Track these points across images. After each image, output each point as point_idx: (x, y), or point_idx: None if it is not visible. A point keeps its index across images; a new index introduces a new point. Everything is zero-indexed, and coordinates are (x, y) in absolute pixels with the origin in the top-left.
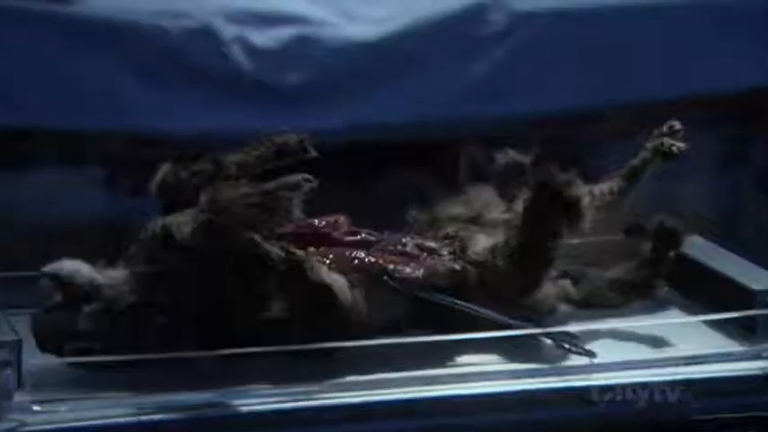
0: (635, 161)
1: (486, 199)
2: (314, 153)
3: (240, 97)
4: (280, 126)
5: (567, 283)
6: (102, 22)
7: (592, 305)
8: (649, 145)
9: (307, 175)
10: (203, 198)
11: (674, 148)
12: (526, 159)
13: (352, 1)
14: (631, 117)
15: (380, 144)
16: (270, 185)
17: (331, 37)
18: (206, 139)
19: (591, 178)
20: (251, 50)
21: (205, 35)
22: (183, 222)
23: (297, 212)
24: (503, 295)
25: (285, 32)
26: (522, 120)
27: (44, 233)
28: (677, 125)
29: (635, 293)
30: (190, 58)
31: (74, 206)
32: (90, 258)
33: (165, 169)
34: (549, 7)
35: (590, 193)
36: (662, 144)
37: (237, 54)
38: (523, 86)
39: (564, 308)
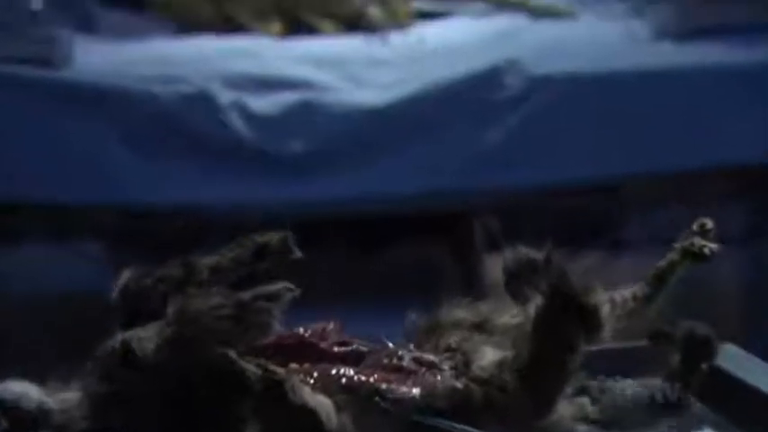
0: (662, 264)
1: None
2: (298, 254)
3: (239, 167)
4: (281, 197)
5: (585, 400)
6: (91, 87)
7: (614, 425)
8: (677, 245)
9: (288, 284)
10: (170, 308)
11: (705, 250)
12: (539, 256)
13: (359, 64)
14: (651, 188)
15: (388, 215)
16: (246, 295)
17: (336, 102)
18: (203, 211)
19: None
20: (250, 117)
21: (201, 101)
22: (145, 337)
23: (277, 325)
24: (512, 417)
25: (287, 98)
26: (537, 189)
27: (33, 307)
28: (708, 223)
29: (662, 411)
30: (185, 125)
31: (63, 280)
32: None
33: (127, 274)
34: (567, 71)
35: (610, 301)
36: (692, 245)
37: (236, 121)
38: (539, 154)
39: (582, 429)
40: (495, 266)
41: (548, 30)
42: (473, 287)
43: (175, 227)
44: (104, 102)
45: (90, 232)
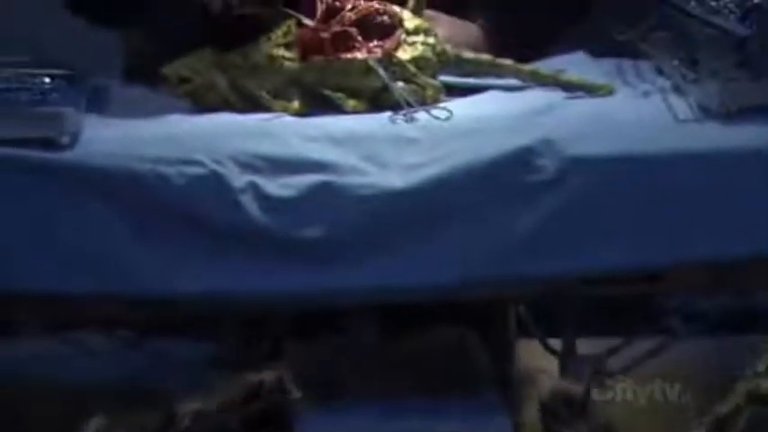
0: (722, 408)
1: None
2: (297, 394)
3: (254, 253)
4: (299, 285)
5: None
6: (97, 170)
7: None
8: (740, 387)
9: None
10: None
11: None
12: (578, 390)
13: (383, 144)
14: (696, 275)
15: (412, 306)
16: None
17: (358, 185)
18: (216, 301)
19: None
20: (266, 200)
21: (213, 183)
22: None
23: None
24: None
25: (305, 180)
26: (574, 277)
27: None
28: None
29: None
30: (195, 209)
31: (66, 373)
32: None
33: (98, 421)
34: (605, 152)
35: None
36: (758, 387)
37: (250, 205)
38: (575, 240)
39: None
40: (527, 355)
41: (584, 107)
42: (505, 375)
43: (187, 317)
44: (111, 185)
45: (94, 325)
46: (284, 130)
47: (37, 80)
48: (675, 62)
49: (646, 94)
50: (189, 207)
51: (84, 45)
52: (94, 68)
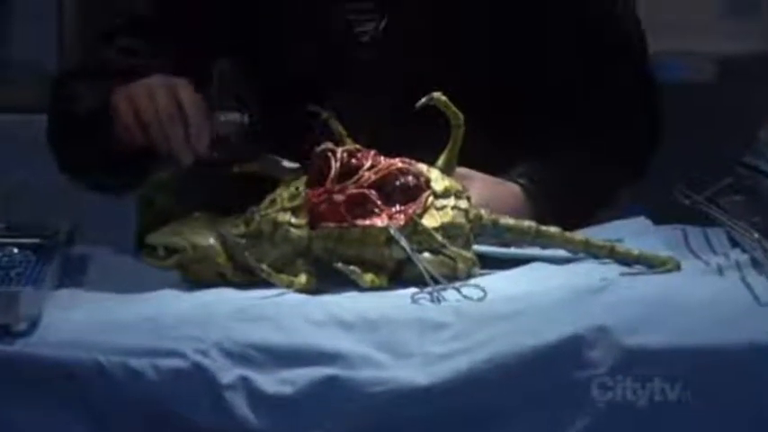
0: None
1: None
2: None
3: None
4: None
5: None
6: (58, 363)
7: None
8: None
9: None
10: None
11: None
12: None
13: (403, 329)
14: None
15: None
16: None
17: (370, 381)
18: None
19: None
20: (259, 399)
21: (196, 379)
22: None
23: None
24: None
25: (308, 373)
26: None
27: None
28: None
29: None
30: (173, 411)
31: None
32: None
33: None
34: (670, 342)
35: None
36: None
37: (239, 405)
38: None
39: None
40: None
41: (645, 286)
42: None
43: None
44: (72, 381)
45: None
46: (286, 312)
47: (5, 251)
48: (755, 234)
49: (719, 269)
50: (165, 408)
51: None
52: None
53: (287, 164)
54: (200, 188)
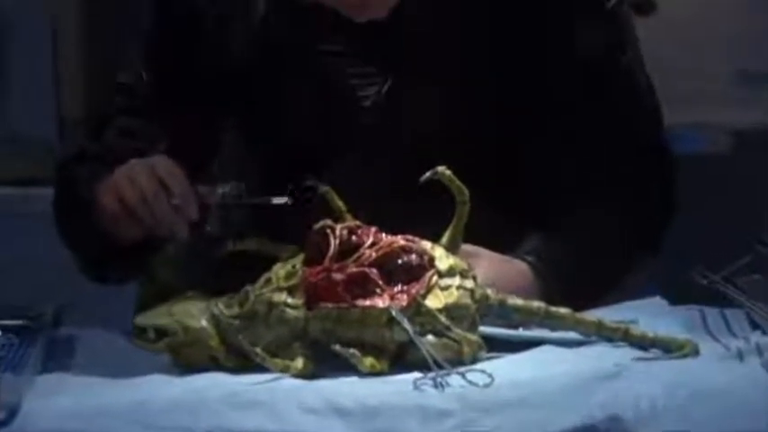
0: None
1: None
2: None
3: None
4: None
5: None
6: None
7: None
8: None
9: None
10: None
11: None
12: None
13: (403, 417)
14: None
15: None
16: None
17: None
18: None
19: None
20: None
21: None
22: None
23: None
24: None
25: None
26: None
27: None
28: None
29: None
30: None
31: None
32: None
33: None
34: None
35: None
36: None
37: None
38: None
39: None
40: None
41: (662, 371)
42: None
43: None
44: None
45: None
46: (281, 398)
47: None
48: None
49: (739, 354)
50: None
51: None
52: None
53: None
54: (198, 265)
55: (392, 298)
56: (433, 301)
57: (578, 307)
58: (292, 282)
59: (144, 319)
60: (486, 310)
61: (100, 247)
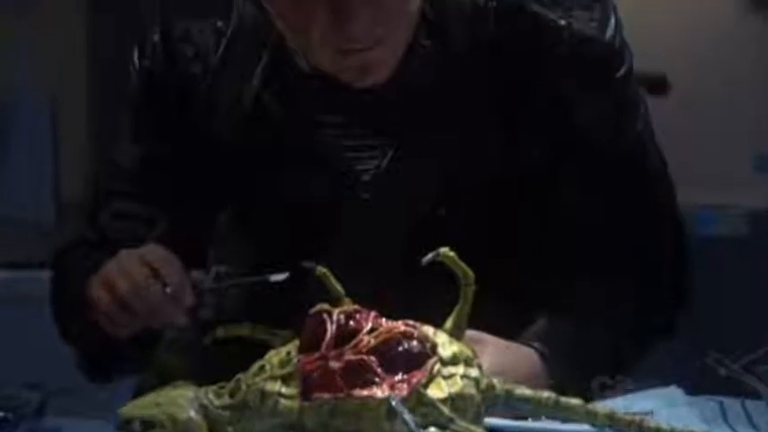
0: None
1: None
2: None
3: None
4: None
5: None
6: None
7: None
8: None
9: None
10: None
11: None
12: None
13: None
14: None
15: None
16: None
17: None
18: None
19: None
20: None
21: None
22: None
23: None
24: None
25: None
26: None
27: None
28: None
29: None
30: None
31: None
32: None
33: None
34: None
35: None
36: None
37: None
38: None
39: None
40: None
41: None
42: None
43: None
44: None
45: None
46: None
47: None
48: None
49: None
50: None
51: None
52: None
53: None
54: (192, 351)
55: (392, 387)
56: (436, 391)
57: (586, 396)
58: (287, 370)
59: (130, 410)
60: (492, 400)
61: (96, 344)
